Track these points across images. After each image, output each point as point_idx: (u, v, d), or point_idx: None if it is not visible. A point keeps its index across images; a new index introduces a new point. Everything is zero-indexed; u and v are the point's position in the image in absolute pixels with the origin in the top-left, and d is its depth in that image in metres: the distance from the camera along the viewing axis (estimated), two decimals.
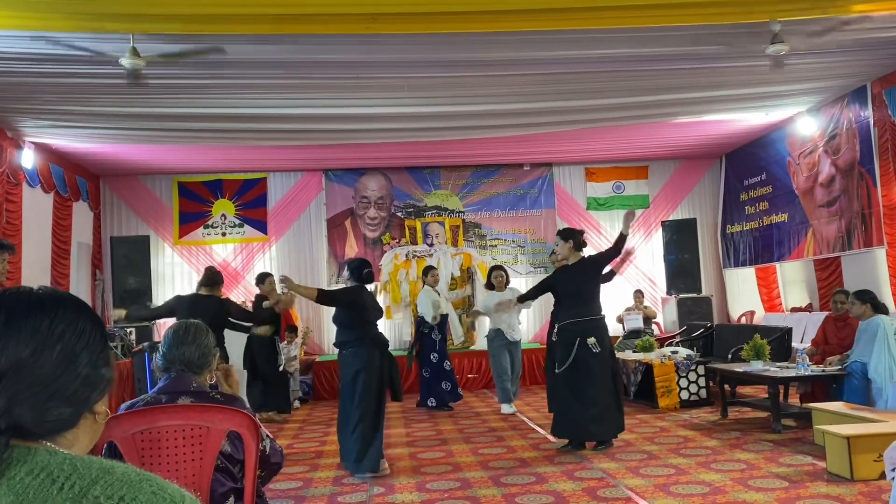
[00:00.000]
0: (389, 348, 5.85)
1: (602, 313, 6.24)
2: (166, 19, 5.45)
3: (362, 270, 5.85)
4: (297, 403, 9.57)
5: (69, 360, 0.98)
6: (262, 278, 8.48)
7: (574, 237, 6.27)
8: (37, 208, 9.15)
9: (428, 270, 9.25)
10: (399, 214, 12.38)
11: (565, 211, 12.62)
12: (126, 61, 5.73)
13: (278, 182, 12.23)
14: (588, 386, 6.01)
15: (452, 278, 11.08)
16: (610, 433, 6.13)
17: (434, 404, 8.70)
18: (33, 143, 8.98)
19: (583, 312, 6.09)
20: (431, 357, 8.71)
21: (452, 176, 12.49)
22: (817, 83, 8.50)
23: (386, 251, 11.96)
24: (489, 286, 8.60)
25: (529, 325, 11.85)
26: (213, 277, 6.57)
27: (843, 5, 5.94)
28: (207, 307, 6.05)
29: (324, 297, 5.86)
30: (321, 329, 11.92)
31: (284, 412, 8.58)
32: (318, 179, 12.31)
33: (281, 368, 8.53)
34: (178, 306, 6.24)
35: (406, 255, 11.36)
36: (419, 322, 9.07)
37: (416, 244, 11.90)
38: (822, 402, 6.22)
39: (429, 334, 8.80)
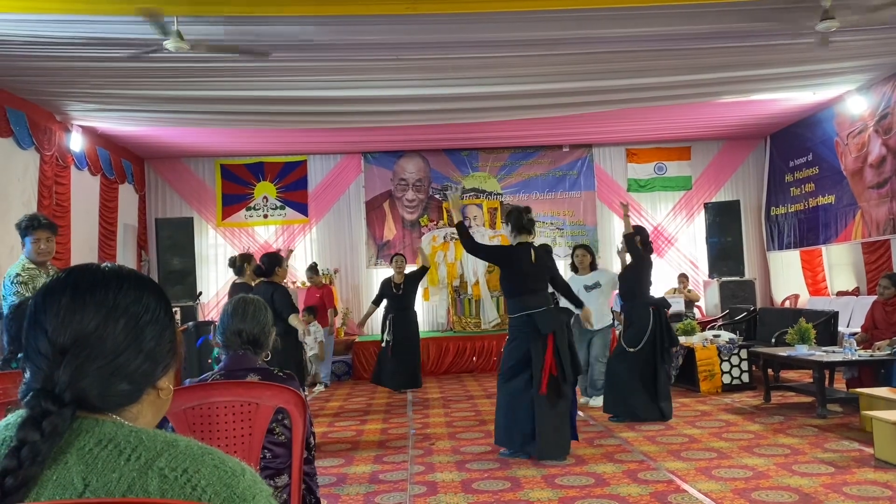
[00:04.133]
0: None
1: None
2: (210, 2, 5.50)
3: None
4: (320, 388, 9.52)
5: (133, 335, 1.00)
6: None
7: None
8: (84, 190, 9.37)
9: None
10: (437, 196, 12.38)
11: (605, 193, 12.49)
12: (170, 44, 5.80)
13: (318, 165, 12.33)
14: None
15: None
16: None
17: None
18: (81, 126, 9.18)
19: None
20: None
21: (490, 158, 12.44)
22: (868, 60, 8.24)
23: (424, 233, 12.00)
24: (572, 268, 7.85)
25: None
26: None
27: None
28: None
29: None
30: (360, 310, 12.02)
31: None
32: (357, 162, 12.37)
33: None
34: None
35: (444, 237, 11.39)
36: None
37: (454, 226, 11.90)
38: (869, 387, 6.10)
39: None
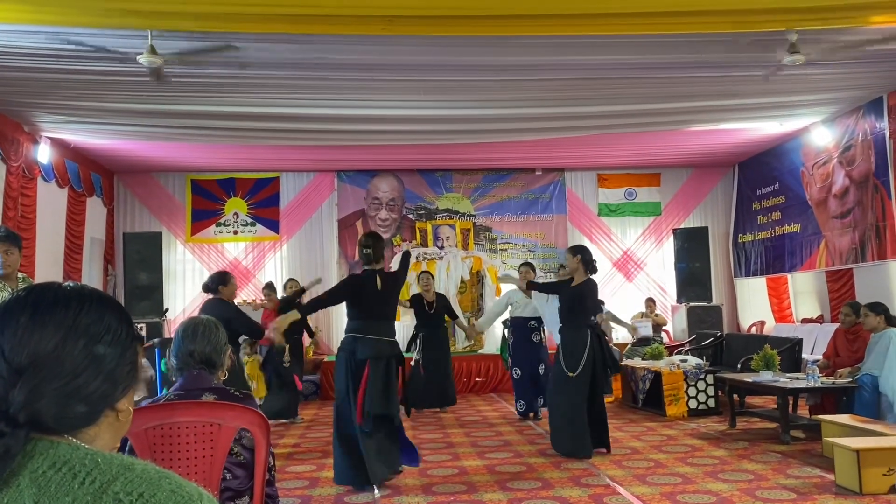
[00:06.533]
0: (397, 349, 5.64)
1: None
2: (184, 17, 5.47)
3: None
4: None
5: (93, 355, 0.98)
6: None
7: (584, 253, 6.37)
8: (51, 203, 9.22)
9: (520, 267, 8.31)
10: (410, 216, 12.40)
11: (576, 216, 12.61)
12: (144, 59, 5.77)
13: (291, 182, 12.28)
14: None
15: (462, 281, 11.09)
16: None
17: (522, 409, 8.09)
18: (49, 138, 9.05)
19: None
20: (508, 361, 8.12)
21: (464, 179, 12.50)
22: (833, 94, 8.46)
23: (396, 252, 11.97)
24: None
25: None
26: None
27: (861, 17, 5.91)
28: None
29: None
30: (330, 329, 11.95)
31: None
32: (331, 180, 12.35)
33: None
34: None
35: (416, 258, 11.37)
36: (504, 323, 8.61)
37: (427, 246, 11.94)
38: (831, 414, 6.19)
39: (507, 338, 8.20)
